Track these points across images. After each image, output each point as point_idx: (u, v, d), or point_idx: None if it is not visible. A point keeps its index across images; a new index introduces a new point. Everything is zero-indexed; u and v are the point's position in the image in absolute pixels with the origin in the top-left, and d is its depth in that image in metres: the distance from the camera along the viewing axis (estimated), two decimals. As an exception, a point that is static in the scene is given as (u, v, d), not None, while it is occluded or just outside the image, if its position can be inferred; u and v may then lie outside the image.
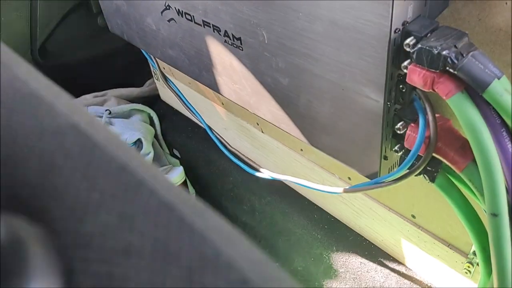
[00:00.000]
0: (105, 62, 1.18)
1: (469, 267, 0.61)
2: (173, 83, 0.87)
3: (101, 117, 1.04)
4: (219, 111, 0.92)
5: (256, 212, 0.90)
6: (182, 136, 1.07)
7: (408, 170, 0.44)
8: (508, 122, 0.35)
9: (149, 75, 1.19)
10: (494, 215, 0.36)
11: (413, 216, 0.64)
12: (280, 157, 0.82)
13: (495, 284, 0.38)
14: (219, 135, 0.82)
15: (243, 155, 0.90)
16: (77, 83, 1.08)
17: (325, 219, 0.80)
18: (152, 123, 1.10)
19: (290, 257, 0.86)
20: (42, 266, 0.13)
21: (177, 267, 0.14)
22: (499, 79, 0.34)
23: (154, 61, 0.86)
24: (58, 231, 0.14)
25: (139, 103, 1.15)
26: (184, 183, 0.98)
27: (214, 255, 0.14)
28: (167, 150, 1.10)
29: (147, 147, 0.99)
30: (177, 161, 1.07)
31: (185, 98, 0.85)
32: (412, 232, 0.66)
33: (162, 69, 0.94)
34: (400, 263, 0.73)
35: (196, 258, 0.14)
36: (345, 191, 0.53)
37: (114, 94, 1.17)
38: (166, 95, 1.15)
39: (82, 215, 0.15)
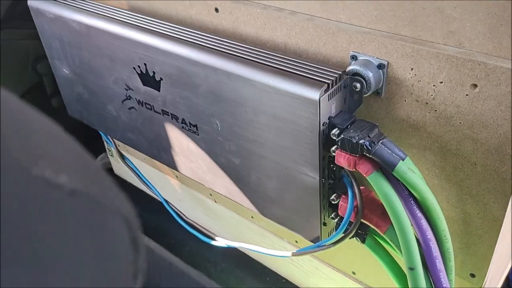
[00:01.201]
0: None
1: (404, 316, 0.69)
2: (128, 159, 0.93)
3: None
4: (173, 184, 0.99)
5: (212, 278, 0.95)
6: (137, 209, 1.11)
7: (343, 234, 0.52)
8: (414, 193, 0.45)
9: (102, 150, 1.24)
10: (411, 268, 0.45)
11: (354, 273, 0.72)
12: (233, 225, 0.89)
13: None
14: (174, 207, 0.88)
15: (199, 224, 0.96)
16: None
17: (277, 281, 0.86)
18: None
19: (246, 320, 0.91)
20: None
21: None
22: (403, 160, 0.44)
23: (111, 139, 0.92)
24: None
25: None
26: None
27: None
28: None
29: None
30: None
31: (140, 173, 0.91)
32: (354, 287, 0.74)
33: (118, 146, 1.00)
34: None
35: None
36: (293, 254, 0.61)
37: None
38: (120, 170, 1.19)
39: None
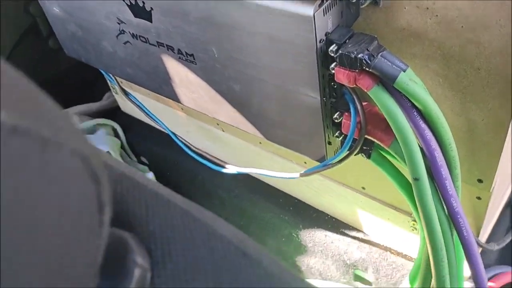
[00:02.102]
0: (60, 82, 1.21)
1: (414, 224, 0.71)
2: (132, 95, 0.93)
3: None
4: (180, 116, 0.99)
5: (226, 204, 0.98)
6: (147, 144, 1.13)
7: (348, 151, 0.52)
8: (417, 104, 0.44)
9: (107, 89, 1.24)
10: (416, 179, 0.46)
11: (363, 188, 0.74)
12: (242, 152, 0.90)
13: (426, 236, 0.47)
14: (183, 138, 0.89)
15: (208, 154, 0.97)
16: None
17: (290, 202, 0.89)
18: (117, 135, 1.15)
19: (263, 240, 0.95)
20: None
21: None
22: (404, 71, 0.43)
23: (112, 77, 0.92)
24: None
25: (100, 117, 1.20)
26: (156, 187, 1.04)
27: None
28: (135, 159, 1.16)
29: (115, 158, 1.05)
30: (146, 167, 1.13)
31: (146, 108, 0.91)
32: (364, 202, 0.75)
33: (120, 83, 0.99)
34: (358, 230, 0.83)
35: None
36: (301, 175, 0.62)
37: (74, 111, 1.21)
38: (127, 107, 1.20)
39: None
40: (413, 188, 0.46)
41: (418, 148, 0.45)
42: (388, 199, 0.72)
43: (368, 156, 0.52)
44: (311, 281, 0.87)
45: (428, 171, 0.47)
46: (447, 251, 0.48)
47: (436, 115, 0.44)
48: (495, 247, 0.66)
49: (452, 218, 0.49)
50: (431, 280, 0.55)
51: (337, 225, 0.84)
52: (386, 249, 0.79)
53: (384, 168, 0.52)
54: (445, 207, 0.49)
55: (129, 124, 1.18)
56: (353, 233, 0.83)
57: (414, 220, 0.70)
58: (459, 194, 0.50)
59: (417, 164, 0.45)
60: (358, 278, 0.85)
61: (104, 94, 1.26)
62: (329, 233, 0.84)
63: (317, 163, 0.58)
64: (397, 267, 0.78)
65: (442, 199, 0.48)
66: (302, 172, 0.62)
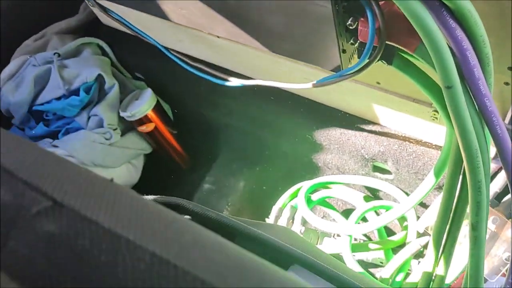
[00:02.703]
0: (31, 3, 1.11)
1: (435, 114, 0.68)
2: (111, 10, 0.84)
3: (51, 62, 1.01)
4: (170, 26, 0.91)
5: (235, 112, 0.95)
6: (139, 57, 1.06)
7: (368, 60, 0.47)
8: (446, 2, 0.38)
9: (81, 1, 1.13)
10: (448, 87, 0.41)
11: (378, 83, 0.69)
12: (243, 58, 0.83)
13: (460, 144, 0.44)
14: (176, 52, 0.82)
15: (207, 65, 0.91)
16: (12, 32, 1.03)
17: (301, 104, 0.85)
18: (104, 53, 1.08)
19: (278, 144, 0.93)
20: None
21: None
22: (432, -34, 0.36)
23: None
24: None
25: (81, 33, 1.11)
26: (158, 104, 1.00)
27: None
28: (129, 75, 1.10)
29: (109, 80, 0.99)
30: (143, 83, 1.07)
31: (128, 23, 0.83)
32: (380, 96, 0.71)
33: (97, -1, 0.89)
34: (375, 123, 0.80)
35: None
36: (314, 85, 0.57)
37: (53, 30, 1.12)
38: (107, 18, 1.10)
39: None
40: (445, 96, 0.42)
41: (450, 53, 0.40)
42: (405, 91, 0.68)
43: (390, 63, 0.47)
44: (328, 176, 0.87)
45: (458, 73, 0.43)
46: (482, 155, 0.45)
47: (469, 12, 0.38)
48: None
49: (485, 118, 0.45)
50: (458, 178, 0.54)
51: (352, 121, 0.81)
52: (405, 139, 0.77)
53: (408, 74, 0.48)
54: (477, 107, 0.45)
55: (115, 39, 1.09)
56: (370, 127, 0.80)
57: (435, 111, 0.67)
58: (491, 90, 0.46)
59: (450, 71, 0.40)
60: (377, 169, 0.85)
61: (79, 7, 1.15)
62: (344, 130, 0.82)
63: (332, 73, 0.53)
64: (417, 156, 0.77)
65: (474, 100, 0.45)
66: (315, 82, 0.57)
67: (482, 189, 0.45)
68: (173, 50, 0.82)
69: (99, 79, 0.99)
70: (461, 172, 0.54)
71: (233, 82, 0.73)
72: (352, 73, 0.50)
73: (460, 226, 0.59)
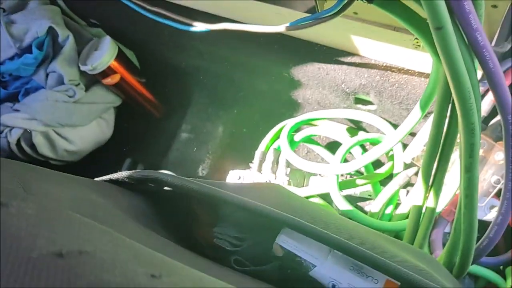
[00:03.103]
0: None
1: (417, 42, 0.63)
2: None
3: (-4, 18, 0.91)
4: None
5: (204, 54, 0.88)
6: (92, 2, 0.96)
7: (346, 0, 0.42)
8: None
9: None
10: (438, 28, 0.37)
11: (355, 13, 0.64)
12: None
13: (452, 87, 0.41)
14: (132, -4, 0.74)
15: (170, 1, 0.83)
16: None
17: (274, 40, 0.79)
18: (52, 1, 0.97)
19: (253, 84, 0.88)
20: None
21: None
22: None
23: None
24: None
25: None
26: (120, 52, 0.93)
27: None
28: (83, 23, 1.00)
29: (62, 31, 0.90)
30: (100, 30, 0.99)
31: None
32: (358, 26, 0.66)
33: None
34: (354, 54, 0.75)
35: None
36: (288, 29, 0.52)
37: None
38: (50, -40, 0.98)
39: None
40: (435, 38, 0.38)
41: (439, -10, 0.35)
42: (385, 20, 0.63)
43: (371, 1, 0.42)
44: (310, 112, 0.83)
45: (447, 7, 0.38)
46: (474, 95, 0.42)
47: None
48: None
49: (477, 53, 0.41)
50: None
51: (330, 54, 0.76)
52: (386, 68, 0.73)
53: (392, 12, 0.43)
54: (468, 42, 0.41)
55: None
56: (349, 59, 0.75)
57: (417, 38, 0.62)
58: (482, 22, 0.41)
59: (439, 10, 0.36)
60: (359, 100, 0.82)
61: None
62: (322, 65, 0.77)
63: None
64: (400, 85, 0.73)
65: (465, 35, 0.40)
66: (288, 25, 0.52)
67: (476, 131, 0.43)
68: (127, -6, 0.74)
69: (51, 31, 0.90)
70: (449, 107, 0.51)
71: (198, 27, 0.67)
72: (329, 16, 0.45)
73: (449, 159, 0.57)
